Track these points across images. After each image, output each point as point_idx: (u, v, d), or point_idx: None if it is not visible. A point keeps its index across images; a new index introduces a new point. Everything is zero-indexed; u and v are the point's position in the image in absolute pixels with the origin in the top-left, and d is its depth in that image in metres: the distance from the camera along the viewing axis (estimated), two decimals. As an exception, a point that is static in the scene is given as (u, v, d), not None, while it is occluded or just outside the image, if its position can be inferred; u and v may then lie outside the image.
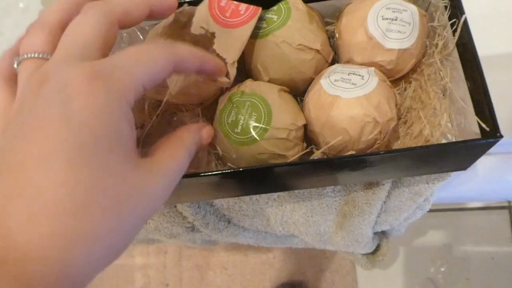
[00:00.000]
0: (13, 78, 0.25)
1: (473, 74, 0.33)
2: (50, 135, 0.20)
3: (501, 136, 0.31)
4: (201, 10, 0.35)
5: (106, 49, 0.25)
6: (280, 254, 1.10)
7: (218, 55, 0.34)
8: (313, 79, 0.37)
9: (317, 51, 0.36)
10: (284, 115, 0.34)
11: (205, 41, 0.35)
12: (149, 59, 0.24)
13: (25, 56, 0.25)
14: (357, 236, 0.49)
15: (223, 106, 0.35)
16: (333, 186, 0.43)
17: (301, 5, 0.37)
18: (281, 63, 0.36)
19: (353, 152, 0.34)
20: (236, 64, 0.34)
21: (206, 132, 0.31)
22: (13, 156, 0.19)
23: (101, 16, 0.24)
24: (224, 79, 0.32)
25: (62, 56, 0.23)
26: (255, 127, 0.33)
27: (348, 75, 0.34)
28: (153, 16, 0.28)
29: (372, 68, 0.35)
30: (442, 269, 1.03)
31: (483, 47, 0.35)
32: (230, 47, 0.34)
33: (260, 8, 0.36)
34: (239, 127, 0.33)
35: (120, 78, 0.22)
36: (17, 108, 0.22)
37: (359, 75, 0.34)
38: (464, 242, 1.04)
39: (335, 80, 0.34)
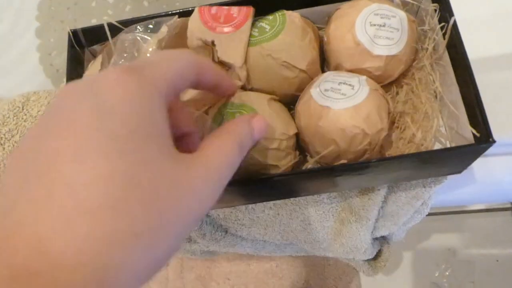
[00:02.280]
0: None
1: (464, 78, 0.33)
2: (81, 128, 0.18)
3: (494, 141, 0.31)
4: (193, 22, 0.35)
5: None
6: (282, 263, 1.09)
7: (224, 62, 0.34)
8: (296, 95, 0.37)
9: (302, 70, 0.35)
10: (274, 125, 0.33)
11: (205, 52, 0.35)
12: (178, 59, 0.23)
13: None
14: (356, 242, 0.48)
15: (213, 118, 0.34)
16: (328, 193, 0.43)
17: (298, 19, 0.36)
18: (264, 75, 0.36)
19: (345, 161, 0.34)
20: (245, 67, 0.34)
21: (257, 122, 0.27)
22: (41, 156, 0.18)
23: (186, 63, 0.24)
24: (236, 81, 0.32)
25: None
26: None
27: (339, 84, 0.34)
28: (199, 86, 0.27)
29: (364, 77, 0.35)
30: (447, 273, 1.02)
31: (474, 50, 0.35)
32: (233, 51, 0.34)
33: (252, 8, 0.36)
34: None
35: (152, 72, 0.21)
36: (46, 112, 0.20)
37: (349, 84, 0.34)
38: (468, 245, 1.03)
39: (326, 90, 0.34)
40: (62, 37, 0.55)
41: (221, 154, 0.23)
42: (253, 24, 0.37)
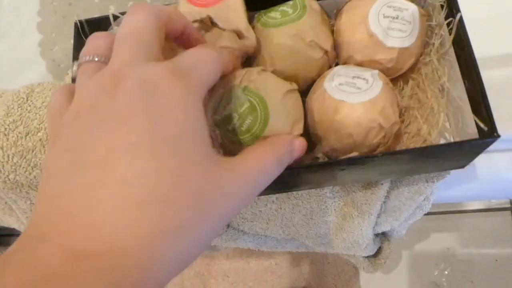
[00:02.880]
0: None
1: (470, 73, 0.33)
2: (135, 127, 0.19)
3: (499, 136, 0.31)
4: (183, 7, 0.35)
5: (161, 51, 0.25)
6: (282, 260, 1.09)
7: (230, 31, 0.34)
8: (314, 80, 0.37)
9: (326, 52, 0.36)
10: (281, 124, 0.31)
11: (212, 33, 0.35)
12: (212, 61, 0.25)
13: (85, 58, 0.25)
14: (358, 237, 0.48)
15: (222, 94, 0.31)
16: (331, 187, 0.43)
17: (316, 6, 0.37)
18: (289, 56, 0.35)
19: (356, 153, 0.34)
20: (251, 29, 0.34)
21: (299, 144, 0.30)
22: (93, 152, 0.19)
23: (154, 19, 0.24)
24: (248, 42, 0.32)
25: (131, 57, 0.22)
26: (246, 131, 0.30)
27: (353, 78, 0.34)
28: (181, 37, 0.28)
29: (376, 71, 0.35)
30: (446, 272, 1.02)
31: (480, 48, 0.35)
32: (233, 17, 0.34)
33: None
34: (231, 125, 0.31)
35: (196, 76, 0.23)
36: (87, 107, 0.21)
37: (363, 78, 0.34)
38: (467, 245, 1.04)
39: (340, 84, 0.34)
40: (64, 32, 0.55)
41: (260, 163, 0.25)
42: (272, 9, 0.37)
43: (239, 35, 0.35)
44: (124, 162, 0.18)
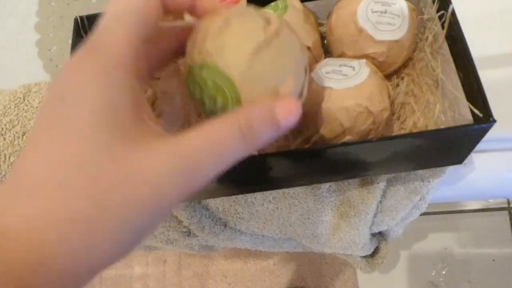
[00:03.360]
0: None
1: (464, 64, 0.33)
2: (40, 117, 0.19)
3: (494, 121, 0.31)
4: None
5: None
6: (279, 260, 1.09)
7: None
8: None
9: (308, 48, 0.36)
10: (257, 93, 0.24)
11: None
12: (134, 11, 0.21)
13: None
14: (354, 237, 0.48)
15: (187, 78, 0.27)
16: (328, 186, 0.43)
17: (298, 4, 0.38)
18: None
19: (350, 137, 0.34)
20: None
21: (284, 107, 0.22)
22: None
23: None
24: (188, 18, 0.26)
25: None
26: (222, 110, 0.25)
27: (339, 66, 0.34)
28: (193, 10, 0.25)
29: (363, 60, 0.35)
30: (444, 272, 1.02)
31: (477, 48, 0.35)
32: None
33: None
34: (207, 107, 0.26)
35: (110, 43, 0.20)
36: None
37: (350, 66, 0.34)
38: (465, 245, 1.04)
39: (327, 72, 0.35)
40: (62, 32, 0.55)
41: (207, 138, 0.20)
42: None
43: None
44: (29, 154, 0.19)
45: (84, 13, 0.56)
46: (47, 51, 0.54)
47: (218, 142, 0.20)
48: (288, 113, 0.22)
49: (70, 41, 0.40)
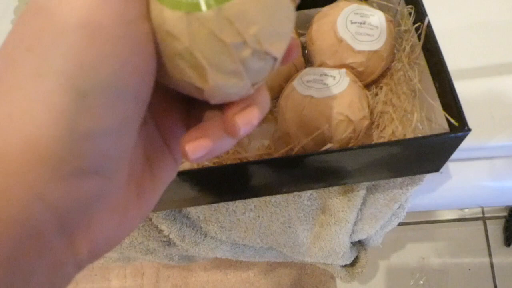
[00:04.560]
0: None
1: (440, 75, 0.34)
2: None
3: (469, 130, 0.32)
4: None
5: None
6: (259, 272, 1.08)
7: None
8: (282, 86, 0.38)
9: None
10: None
11: None
12: None
13: None
14: (335, 245, 0.49)
15: None
16: (309, 194, 0.43)
17: None
18: None
19: (331, 145, 0.34)
20: None
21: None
22: None
23: None
24: None
25: None
26: None
27: (320, 76, 0.35)
28: None
29: (344, 70, 0.36)
30: (421, 282, 1.03)
31: (453, 61, 0.36)
32: None
33: None
34: None
35: None
36: None
37: (330, 75, 0.35)
38: (442, 254, 1.05)
39: (308, 81, 0.35)
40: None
41: None
42: None
43: None
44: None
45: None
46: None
47: None
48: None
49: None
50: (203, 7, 0.15)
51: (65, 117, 0.13)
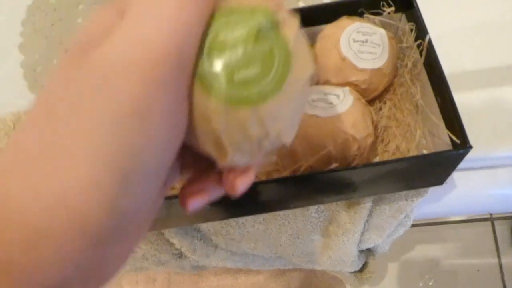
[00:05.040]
0: None
1: (441, 91, 0.35)
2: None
3: (471, 147, 0.32)
4: None
5: None
6: (270, 276, 1.09)
7: None
8: None
9: None
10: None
11: None
12: None
13: None
14: (343, 255, 0.49)
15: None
16: (316, 207, 0.44)
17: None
18: None
19: (336, 164, 0.35)
20: None
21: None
22: None
23: None
24: None
25: None
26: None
27: (325, 95, 0.36)
28: None
29: (347, 88, 0.37)
30: (430, 283, 1.04)
31: (450, 65, 0.37)
32: None
33: None
34: (242, 72, 0.17)
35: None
36: None
37: (334, 94, 0.36)
38: (450, 256, 1.06)
39: (313, 100, 0.36)
40: (47, 53, 0.56)
41: None
42: None
43: None
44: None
45: (70, 33, 0.56)
46: (33, 71, 0.55)
47: None
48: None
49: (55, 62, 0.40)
50: (243, 105, 0.17)
51: (109, 198, 0.14)
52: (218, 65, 0.17)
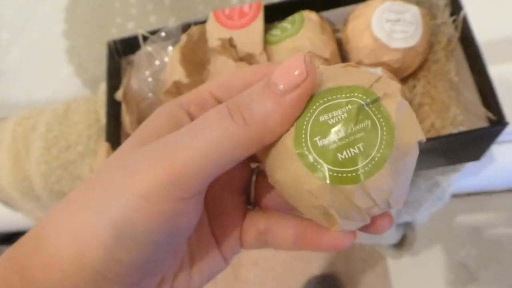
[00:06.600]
0: None
1: (477, 67, 0.35)
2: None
3: (507, 123, 0.32)
4: (210, 25, 0.38)
5: None
6: (309, 247, 1.12)
7: (245, 53, 0.36)
8: None
9: (326, 59, 0.38)
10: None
11: (225, 54, 0.38)
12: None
13: None
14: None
15: (294, 140, 0.19)
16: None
17: (315, 17, 0.39)
18: None
19: None
20: (264, 54, 0.37)
21: (282, 70, 0.17)
22: None
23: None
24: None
25: None
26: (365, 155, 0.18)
27: None
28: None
29: (379, 68, 0.37)
30: (473, 253, 1.03)
31: (485, 38, 0.36)
32: (251, 42, 0.37)
33: (261, 2, 0.38)
34: (345, 151, 0.18)
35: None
36: None
37: None
38: (494, 225, 1.04)
39: None
40: (89, 37, 0.59)
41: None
42: (274, 26, 0.39)
43: (252, 58, 0.37)
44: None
45: (108, 16, 0.58)
46: (77, 57, 0.57)
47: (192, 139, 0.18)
48: (288, 74, 0.17)
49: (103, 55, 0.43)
50: (349, 184, 0.17)
51: (106, 249, 0.17)
52: (321, 148, 0.18)
